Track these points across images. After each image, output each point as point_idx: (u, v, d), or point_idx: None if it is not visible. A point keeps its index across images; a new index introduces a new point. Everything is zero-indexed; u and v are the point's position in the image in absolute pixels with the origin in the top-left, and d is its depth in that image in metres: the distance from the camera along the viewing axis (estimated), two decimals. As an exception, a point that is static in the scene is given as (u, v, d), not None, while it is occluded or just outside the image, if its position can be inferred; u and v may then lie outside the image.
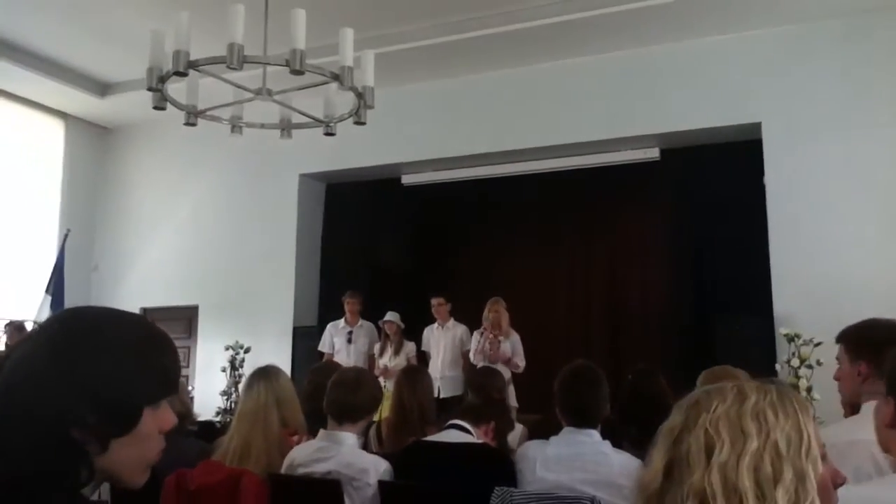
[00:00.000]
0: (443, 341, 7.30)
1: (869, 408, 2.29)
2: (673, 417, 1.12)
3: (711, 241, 7.43)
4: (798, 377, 5.68)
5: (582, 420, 2.69)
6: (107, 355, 1.05)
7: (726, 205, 7.23)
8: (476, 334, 6.98)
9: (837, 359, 2.51)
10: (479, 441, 2.89)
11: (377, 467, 2.78)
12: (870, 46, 6.51)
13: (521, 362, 6.84)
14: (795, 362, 5.76)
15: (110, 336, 1.07)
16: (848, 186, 6.44)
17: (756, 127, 6.83)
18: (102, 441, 1.03)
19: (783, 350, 5.98)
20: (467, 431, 2.89)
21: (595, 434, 2.68)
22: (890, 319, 2.39)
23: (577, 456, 2.61)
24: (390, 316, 7.30)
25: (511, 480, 2.67)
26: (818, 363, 5.57)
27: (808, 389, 5.59)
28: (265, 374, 3.11)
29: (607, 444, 2.63)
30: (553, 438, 2.75)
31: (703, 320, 7.13)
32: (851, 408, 2.40)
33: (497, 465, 2.77)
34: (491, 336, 6.80)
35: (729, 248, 7.18)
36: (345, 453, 2.82)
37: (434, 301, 7.39)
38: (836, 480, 1.14)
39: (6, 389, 1.02)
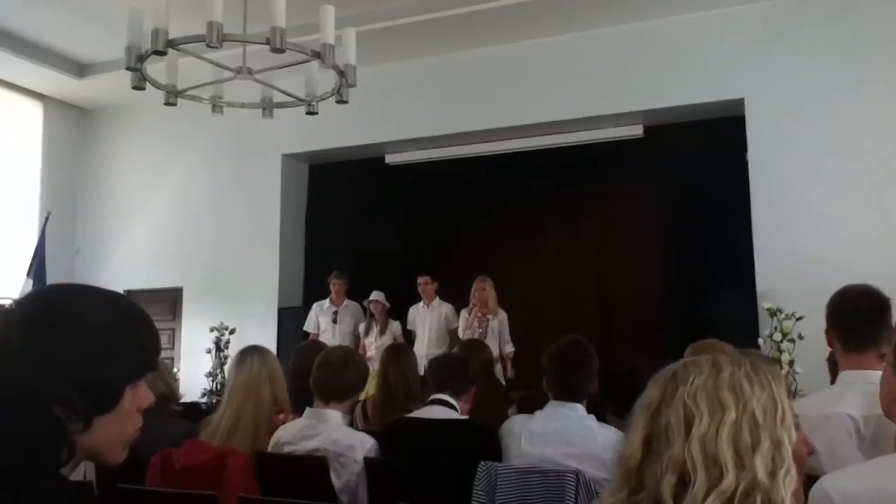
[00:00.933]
0: (428, 320, 7.32)
1: (846, 377, 2.33)
2: (649, 391, 1.13)
3: (695, 218, 7.46)
4: (780, 351, 5.74)
5: (567, 394, 2.71)
6: (84, 332, 1.04)
7: (710, 181, 7.26)
8: (464, 312, 7.00)
9: None
10: (463, 417, 2.91)
11: (364, 444, 2.79)
12: (853, 21, 6.52)
13: (508, 348, 6.87)
14: (778, 336, 5.82)
15: (86, 313, 1.07)
16: (830, 161, 6.48)
17: (739, 103, 6.84)
18: (85, 419, 1.03)
19: (766, 324, 6.04)
20: (451, 406, 2.91)
21: (580, 408, 2.70)
22: (857, 286, 2.40)
23: (562, 430, 2.63)
24: (375, 295, 7.30)
25: (495, 456, 2.69)
26: (800, 337, 5.63)
27: (791, 363, 5.66)
28: (256, 350, 3.13)
29: (591, 419, 2.66)
30: (538, 413, 2.77)
31: (687, 296, 7.20)
32: None
33: (481, 441, 2.80)
34: (479, 314, 6.82)
35: (712, 225, 7.22)
36: (331, 431, 2.83)
37: (420, 280, 7.40)
38: (808, 449, 1.17)
39: None
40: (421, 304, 7.43)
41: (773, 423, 1.06)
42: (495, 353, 6.72)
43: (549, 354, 2.79)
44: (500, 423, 2.95)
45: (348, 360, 2.99)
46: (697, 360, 1.14)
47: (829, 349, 2.53)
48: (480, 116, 7.73)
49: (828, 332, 2.40)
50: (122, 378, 1.08)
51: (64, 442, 1.01)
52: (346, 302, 7.58)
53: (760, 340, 5.95)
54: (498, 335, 6.88)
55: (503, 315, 6.95)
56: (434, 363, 3.10)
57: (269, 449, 2.88)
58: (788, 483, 1.04)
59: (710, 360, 1.13)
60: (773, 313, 5.92)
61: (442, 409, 2.88)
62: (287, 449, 2.83)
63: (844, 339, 2.33)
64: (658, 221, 7.98)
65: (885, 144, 6.32)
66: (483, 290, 6.87)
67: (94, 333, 1.05)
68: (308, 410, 2.93)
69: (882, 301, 2.30)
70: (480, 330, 6.77)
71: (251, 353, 3.09)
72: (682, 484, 1.04)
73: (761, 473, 1.02)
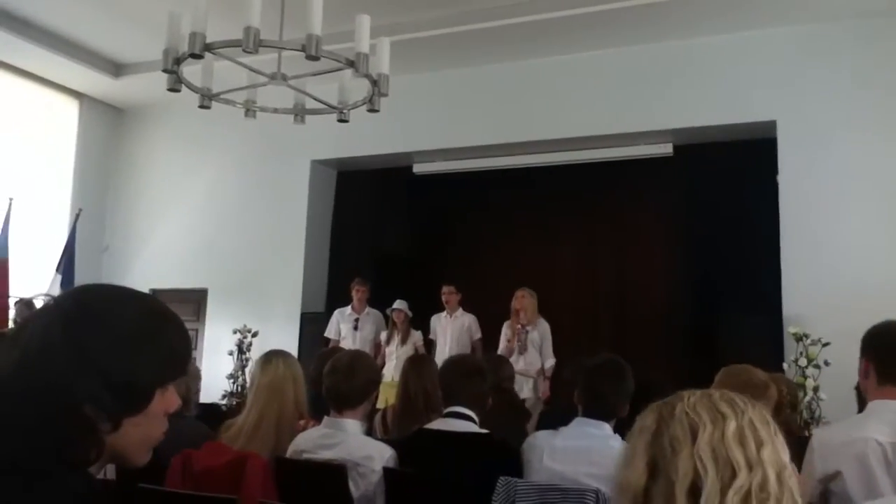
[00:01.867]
0: (450, 329, 7.30)
1: (875, 406, 2.32)
2: (644, 418, 1.16)
3: (722, 239, 7.39)
4: (805, 377, 5.66)
5: (596, 410, 2.68)
6: (120, 334, 1.06)
7: (739, 202, 7.20)
8: (504, 325, 6.93)
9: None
10: (483, 431, 2.88)
11: (382, 454, 2.79)
12: (886, 48, 6.45)
13: (549, 362, 6.70)
14: (803, 362, 5.74)
15: (123, 315, 1.08)
16: (861, 188, 6.39)
17: (771, 125, 6.78)
18: (115, 420, 1.04)
19: (791, 349, 5.96)
20: (470, 418, 2.88)
21: (606, 427, 2.67)
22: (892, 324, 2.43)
23: (586, 449, 2.60)
24: (399, 304, 7.30)
25: (514, 470, 2.67)
26: (826, 363, 5.55)
27: (815, 389, 5.58)
28: (281, 353, 3.16)
29: (617, 439, 2.62)
30: (563, 429, 2.75)
31: (710, 318, 7.11)
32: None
33: (500, 456, 2.78)
34: (519, 325, 6.73)
35: (739, 247, 7.15)
36: (349, 440, 2.83)
37: (445, 289, 7.39)
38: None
39: (21, 361, 1.02)
40: (444, 313, 7.42)
41: (769, 432, 1.11)
42: (537, 366, 6.67)
43: (585, 368, 2.75)
44: (513, 438, 2.92)
45: (355, 365, 2.95)
46: (680, 392, 1.18)
47: (857, 377, 2.51)
48: (509, 129, 7.73)
49: (863, 360, 2.42)
50: (153, 380, 1.09)
51: (94, 441, 1.03)
52: (368, 309, 7.59)
53: (785, 365, 5.87)
54: (539, 348, 6.76)
55: (545, 325, 6.80)
56: (447, 371, 3.02)
57: (288, 456, 2.88)
58: (794, 483, 1.09)
59: (694, 390, 1.18)
60: (798, 338, 5.85)
61: (461, 423, 2.85)
62: (305, 457, 2.83)
63: (883, 370, 2.35)
64: (684, 241, 7.90)
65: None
66: (522, 297, 6.78)
67: (129, 335, 1.07)
68: (326, 419, 2.93)
69: None
70: (519, 343, 6.67)
71: (277, 355, 3.12)
72: (694, 492, 1.05)
73: (770, 472, 1.06)
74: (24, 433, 0.99)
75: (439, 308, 7.48)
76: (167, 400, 1.13)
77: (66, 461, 1.01)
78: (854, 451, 2.26)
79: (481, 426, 2.90)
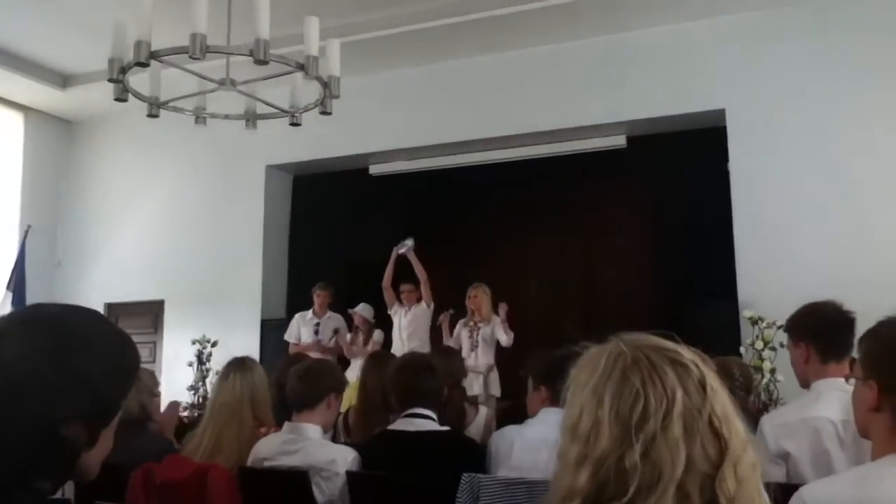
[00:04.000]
0: (405, 321, 7.29)
1: (820, 386, 2.40)
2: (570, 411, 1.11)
3: (678, 227, 7.52)
4: (762, 359, 5.78)
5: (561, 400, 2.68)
6: (98, 352, 1.10)
7: (692, 191, 7.32)
8: (460, 323, 6.97)
9: (788, 347, 2.70)
10: (445, 428, 2.89)
11: (345, 457, 2.78)
12: (833, 34, 6.59)
13: (503, 336, 6.69)
14: (759, 345, 5.86)
15: (96, 334, 1.13)
16: (810, 172, 6.54)
17: (720, 114, 6.90)
18: (94, 436, 1.09)
19: (748, 333, 6.08)
20: (430, 417, 2.89)
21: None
22: (827, 302, 2.55)
23: (555, 437, 2.58)
24: (361, 309, 7.30)
25: (478, 466, 2.69)
26: (781, 345, 5.65)
27: (772, 371, 5.70)
28: (241, 365, 3.11)
29: None
30: (530, 420, 2.77)
31: (670, 304, 7.23)
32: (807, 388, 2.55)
33: (464, 453, 2.79)
34: (472, 323, 6.81)
35: (695, 234, 7.27)
36: (310, 445, 2.82)
37: (403, 287, 7.39)
38: None
39: (4, 386, 1.03)
40: (395, 306, 7.40)
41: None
42: (487, 362, 6.70)
43: (551, 359, 2.76)
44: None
45: (314, 368, 2.99)
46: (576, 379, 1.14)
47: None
48: (464, 127, 7.75)
49: (800, 346, 2.52)
50: (122, 396, 1.15)
51: (76, 460, 1.08)
52: (329, 314, 7.54)
53: (742, 349, 5.99)
54: (491, 342, 6.80)
55: (496, 319, 6.82)
56: (400, 373, 2.99)
57: (249, 464, 2.86)
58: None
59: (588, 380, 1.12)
60: (754, 322, 5.97)
61: (423, 422, 2.85)
62: (267, 464, 2.81)
63: (823, 349, 2.45)
64: (641, 231, 8.03)
65: (864, 156, 6.39)
66: (475, 296, 6.84)
67: (107, 353, 1.12)
68: (287, 425, 2.90)
69: (851, 313, 2.47)
70: (471, 340, 6.73)
71: (234, 370, 3.06)
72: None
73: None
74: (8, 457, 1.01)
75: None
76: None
77: (32, 487, 1.03)
78: (806, 430, 2.32)
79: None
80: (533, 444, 2.68)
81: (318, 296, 7.50)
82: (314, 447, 2.81)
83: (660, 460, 1.00)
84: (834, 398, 2.33)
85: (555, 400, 2.75)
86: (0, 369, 1.03)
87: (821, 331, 2.49)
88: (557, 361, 2.75)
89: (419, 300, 7.38)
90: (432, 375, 2.92)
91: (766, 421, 2.45)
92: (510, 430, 2.82)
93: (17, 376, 1.03)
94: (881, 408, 1.57)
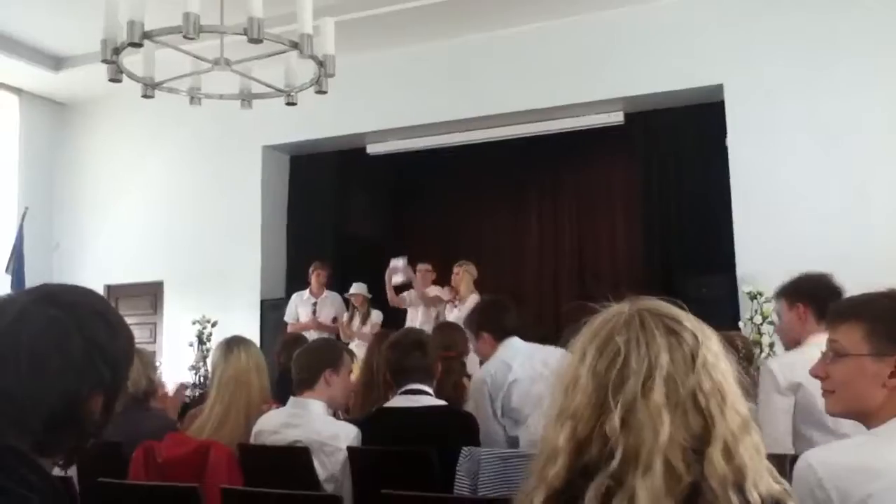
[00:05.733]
0: (422, 305, 7.29)
1: (817, 339, 2.49)
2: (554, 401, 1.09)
3: (677, 203, 7.51)
4: (760, 333, 5.81)
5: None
6: (110, 327, 1.14)
7: (691, 167, 7.32)
8: (438, 289, 7.04)
9: (777, 313, 2.93)
10: (442, 403, 2.93)
11: (348, 433, 2.81)
12: (833, 8, 6.55)
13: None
14: (758, 319, 5.89)
15: (104, 309, 1.17)
16: (808, 146, 6.53)
17: (718, 89, 6.88)
18: (112, 407, 1.13)
19: (746, 308, 6.10)
20: (426, 393, 2.92)
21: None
22: (818, 273, 2.83)
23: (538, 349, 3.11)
24: (355, 288, 7.30)
25: (476, 439, 2.72)
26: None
27: (771, 345, 5.73)
28: (242, 341, 3.13)
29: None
30: (494, 362, 3.14)
31: (669, 280, 7.23)
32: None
33: (462, 426, 2.83)
34: (449, 300, 6.88)
35: (694, 209, 7.27)
36: (313, 420, 2.85)
37: (421, 267, 7.35)
38: None
39: (33, 368, 1.05)
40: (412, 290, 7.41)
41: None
42: None
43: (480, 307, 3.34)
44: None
45: (307, 348, 3.12)
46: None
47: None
48: (461, 105, 7.72)
49: (797, 306, 2.74)
50: (129, 369, 1.19)
51: (100, 433, 1.13)
52: (326, 293, 7.54)
53: (741, 323, 6.01)
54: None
55: (472, 299, 6.67)
56: (391, 350, 3.04)
57: (252, 438, 2.88)
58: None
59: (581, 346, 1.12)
60: (753, 297, 5.98)
61: (419, 397, 2.89)
62: (270, 438, 2.84)
63: (821, 310, 2.63)
64: (639, 207, 8.02)
65: (862, 128, 6.38)
66: (456, 274, 6.87)
67: (116, 327, 1.16)
68: (291, 400, 2.94)
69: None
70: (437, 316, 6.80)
71: (237, 343, 3.08)
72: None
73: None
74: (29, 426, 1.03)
75: (403, 286, 7.46)
76: None
77: (30, 460, 1.03)
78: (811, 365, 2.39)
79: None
80: (526, 362, 3.11)
81: (316, 274, 7.50)
82: (317, 422, 2.85)
83: (640, 427, 0.99)
84: None
85: (496, 340, 3.21)
86: (26, 345, 1.05)
87: (818, 293, 2.70)
88: (486, 307, 3.35)
89: (434, 282, 7.36)
90: (421, 353, 2.95)
91: (773, 362, 2.73)
92: (500, 363, 3.12)
93: (44, 351, 1.05)
94: None
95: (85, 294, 1.17)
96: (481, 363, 3.46)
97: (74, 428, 1.07)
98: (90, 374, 1.07)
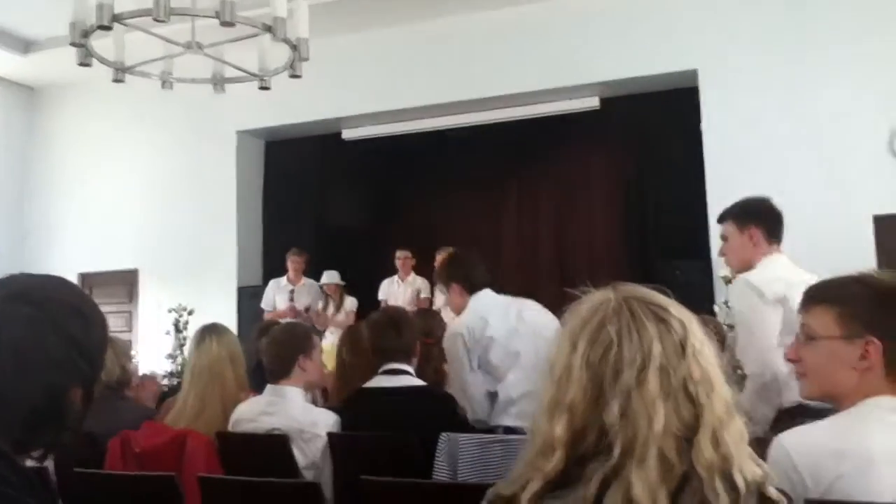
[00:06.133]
0: (402, 296, 7.29)
1: (767, 261, 2.81)
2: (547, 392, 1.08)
3: (653, 189, 7.56)
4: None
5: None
6: (85, 318, 1.13)
7: (666, 152, 7.35)
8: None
9: (724, 237, 3.04)
10: (420, 383, 2.95)
11: (327, 420, 2.81)
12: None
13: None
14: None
15: (77, 300, 1.16)
16: (782, 132, 6.58)
17: (693, 74, 6.91)
18: (90, 399, 1.13)
19: (721, 292, 6.16)
20: (405, 372, 2.93)
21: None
22: (761, 197, 3.12)
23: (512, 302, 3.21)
24: (326, 277, 7.30)
25: (454, 420, 2.77)
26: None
27: (745, 329, 5.78)
28: (215, 329, 3.10)
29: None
30: (470, 314, 3.18)
31: (646, 265, 7.30)
32: (745, 271, 2.88)
33: (439, 406, 2.86)
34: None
35: (669, 194, 7.31)
36: (291, 407, 2.84)
37: (400, 254, 7.36)
38: None
39: (11, 362, 1.05)
40: (396, 277, 7.40)
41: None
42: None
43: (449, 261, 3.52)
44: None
45: (277, 338, 3.03)
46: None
47: None
48: (436, 90, 7.68)
49: (748, 230, 2.91)
50: (104, 359, 1.19)
51: (80, 425, 1.14)
52: (304, 280, 7.52)
53: (716, 307, 6.07)
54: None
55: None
56: (372, 329, 3.08)
57: (230, 427, 2.87)
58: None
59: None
60: (727, 281, 6.03)
61: (399, 377, 2.91)
62: (248, 426, 2.83)
63: (772, 231, 2.92)
64: (615, 192, 8.06)
65: (835, 116, 6.44)
66: (435, 263, 6.88)
67: (91, 318, 1.15)
68: (268, 387, 2.93)
69: None
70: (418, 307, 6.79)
71: (210, 332, 3.05)
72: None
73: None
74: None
75: (381, 272, 7.45)
76: None
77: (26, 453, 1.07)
78: (797, 283, 2.46)
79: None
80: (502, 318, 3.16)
81: (293, 262, 7.47)
82: (296, 409, 2.84)
83: (637, 417, 0.99)
84: (784, 265, 2.84)
85: (467, 291, 3.27)
86: (4, 346, 1.05)
87: (766, 215, 2.94)
88: (454, 259, 3.47)
89: (413, 268, 7.36)
90: (395, 332, 2.97)
91: (751, 277, 2.81)
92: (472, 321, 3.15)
93: (23, 352, 1.05)
94: (874, 365, 1.56)
95: (57, 287, 1.16)
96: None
97: (55, 422, 1.08)
98: (69, 369, 1.08)
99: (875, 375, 1.56)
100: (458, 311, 3.31)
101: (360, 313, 7.11)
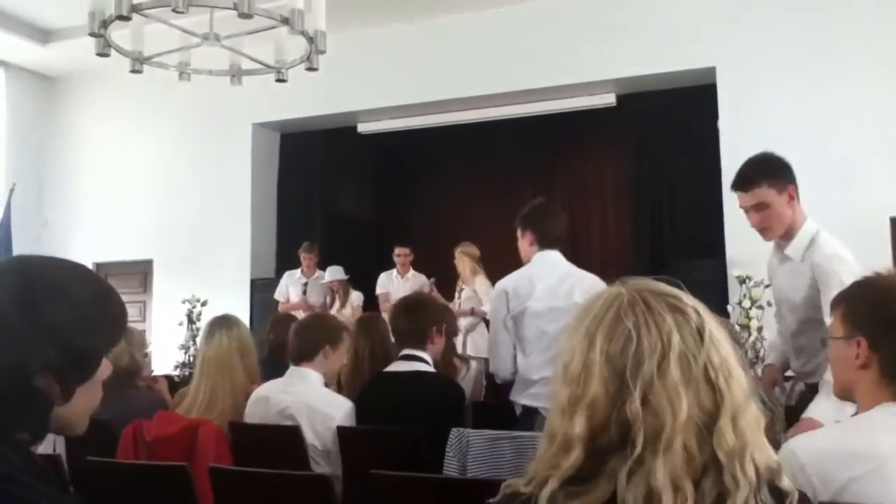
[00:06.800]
0: (402, 291, 7.28)
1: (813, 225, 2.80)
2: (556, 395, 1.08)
3: (668, 186, 7.51)
4: (749, 318, 5.83)
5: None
6: (74, 303, 1.07)
7: (683, 149, 7.31)
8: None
9: (759, 205, 2.92)
10: (431, 370, 2.98)
11: (342, 403, 2.89)
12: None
13: (480, 307, 6.74)
14: (747, 303, 5.90)
15: (72, 284, 1.10)
16: (799, 132, 6.51)
17: (710, 72, 6.86)
18: (69, 389, 1.06)
19: (735, 292, 6.12)
20: (420, 359, 2.96)
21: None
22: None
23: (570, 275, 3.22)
24: (330, 274, 7.27)
25: (459, 408, 2.83)
26: (769, 304, 5.70)
27: (759, 329, 5.76)
28: (225, 321, 3.13)
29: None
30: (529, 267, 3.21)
31: (659, 263, 7.26)
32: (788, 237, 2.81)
33: (448, 395, 2.90)
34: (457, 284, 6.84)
35: (685, 193, 7.27)
36: (311, 388, 2.92)
37: (399, 251, 7.34)
38: None
39: None
40: (394, 272, 7.40)
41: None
42: (473, 321, 6.73)
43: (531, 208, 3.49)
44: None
45: (308, 323, 3.21)
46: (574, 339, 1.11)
47: None
48: (453, 85, 7.67)
49: (787, 187, 2.82)
50: (102, 348, 1.12)
51: (48, 413, 1.04)
52: (318, 273, 7.53)
53: (730, 307, 6.03)
54: (475, 303, 6.78)
55: (480, 284, 6.76)
56: (393, 314, 3.17)
57: (250, 401, 2.93)
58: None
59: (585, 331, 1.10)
60: (742, 281, 6.00)
61: (412, 363, 2.94)
62: (266, 404, 2.89)
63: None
64: (630, 189, 8.02)
65: (853, 117, 6.38)
66: (456, 259, 6.86)
67: (82, 304, 1.08)
68: (290, 369, 3.01)
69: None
70: (456, 302, 6.76)
71: (220, 325, 3.09)
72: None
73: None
74: None
75: (390, 265, 7.45)
76: (104, 367, 1.15)
77: (12, 438, 1.01)
78: None
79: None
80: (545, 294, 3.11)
81: (305, 258, 7.49)
82: (315, 389, 2.92)
83: (660, 407, 0.99)
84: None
85: (537, 245, 3.26)
86: None
87: (790, 169, 2.84)
88: (536, 207, 3.44)
89: (412, 264, 7.35)
90: (407, 318, 3.03)
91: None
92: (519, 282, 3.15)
93: None
94: (868, 364, 1.59)
95: (52, 267, 1.11)
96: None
97: (25, 408, 1.01)
98: (33, 351, 1.01)
99: (871, 374, 1.59)
100: (526, 259, 3.30)
101: (368, 307, 7.12)
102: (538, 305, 3.08)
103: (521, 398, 3.10)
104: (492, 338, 3.24)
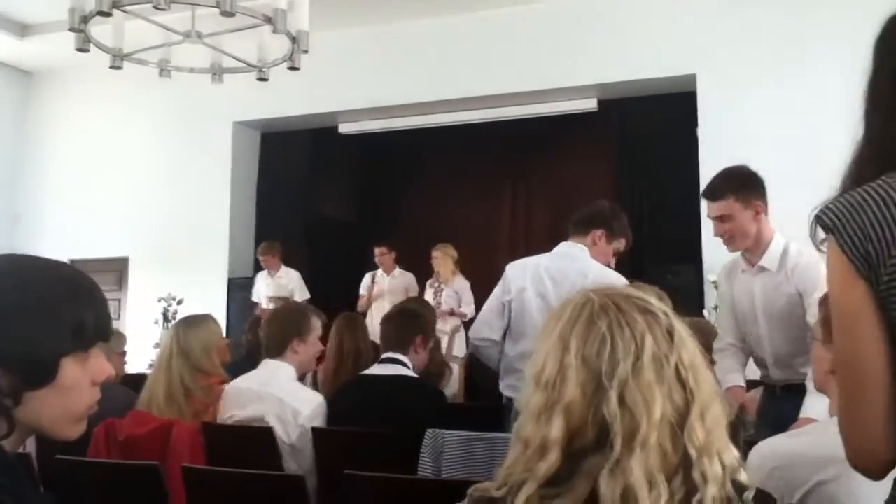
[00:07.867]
0: (389, 289, 7.25)
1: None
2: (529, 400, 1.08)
3: (648, 191, 7.57)
4: (724, 322, 5.88)
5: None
6: (16, 304, 1.01)
7: (662, 155, 7.36)
8: (427, 285, 6.99)
9: (722, 217, 2.97)
10: (411, 374, 2.98)
11: (313, 398, 2.93)
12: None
13: (466, 309, 6.75)
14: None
15: (20, 284, 1.04)
16: (777, 139, 6.59)
17: (691, 79, 6.92)
18: (13, 394, 1.00)
19: (711, 296, 6.18)
20: (400, 363, 2.97)
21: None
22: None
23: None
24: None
25: (438, 412, 2.82)
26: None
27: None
28: (186, 321, 3.16)
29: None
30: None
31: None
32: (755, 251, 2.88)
33: (427, 399, 2.91)
34: (436, 284, 6.85)
35: (664, 198, 7.33)
36: (281, 380, 2.94)
37: (377, 251, 7.33)
38: None
39: None
40: (379, 272, 7.37)
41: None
42: (456, 322, 6.73)
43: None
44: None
45: (274, 317, 3.25)
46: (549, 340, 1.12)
47: None
48: (434, 88, 7.67)
49: (753, 206, 2.85)
50: (54, 352, 1.04)
51: (5, 412, 0.99)
52: (282, 270, 7.48)
53: (706, 312, 6.09)
54: (455, 304, 6.81)
55: (461, 283, 6.83)
56: (383, 319, 3.20)
57: (224, 394, 2.95)
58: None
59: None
60: (718, 286, 6.05)
61: (392, 367, 2.94)
62: (237, 395, 2.92)
63: (766, 205, 2.93)
64: (610, 194, 8.03)
65: (834, 122, 6.42)
66: (435, 258, 6.87)
67: (26, 306, 1.02)
68: (263, 362, 3.03)
69: None
70: (436, 301, 6.75)
71: (180, 324, 3.14)
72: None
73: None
74: None
75: (373, 267, 7.43)
76: (92, 369, 1.09)
77: None
78: None
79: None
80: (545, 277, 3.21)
81: (262, 260, 7.48)
82: (285, 382, 2.93)
83: (635, 406, 1.00)
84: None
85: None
86: None
87: (762, 184, 2.93)
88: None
89: (395, 262, 7.34)
90: (390, 323, 3.05)
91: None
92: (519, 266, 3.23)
93: None
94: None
95: (21, 264, 1.08)
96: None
97: None
98: None
99: None
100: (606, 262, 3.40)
101: (350, 306, 7.08)
102: (528, 297, 3.13)
103: (505, 389, 3.14)
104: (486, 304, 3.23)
